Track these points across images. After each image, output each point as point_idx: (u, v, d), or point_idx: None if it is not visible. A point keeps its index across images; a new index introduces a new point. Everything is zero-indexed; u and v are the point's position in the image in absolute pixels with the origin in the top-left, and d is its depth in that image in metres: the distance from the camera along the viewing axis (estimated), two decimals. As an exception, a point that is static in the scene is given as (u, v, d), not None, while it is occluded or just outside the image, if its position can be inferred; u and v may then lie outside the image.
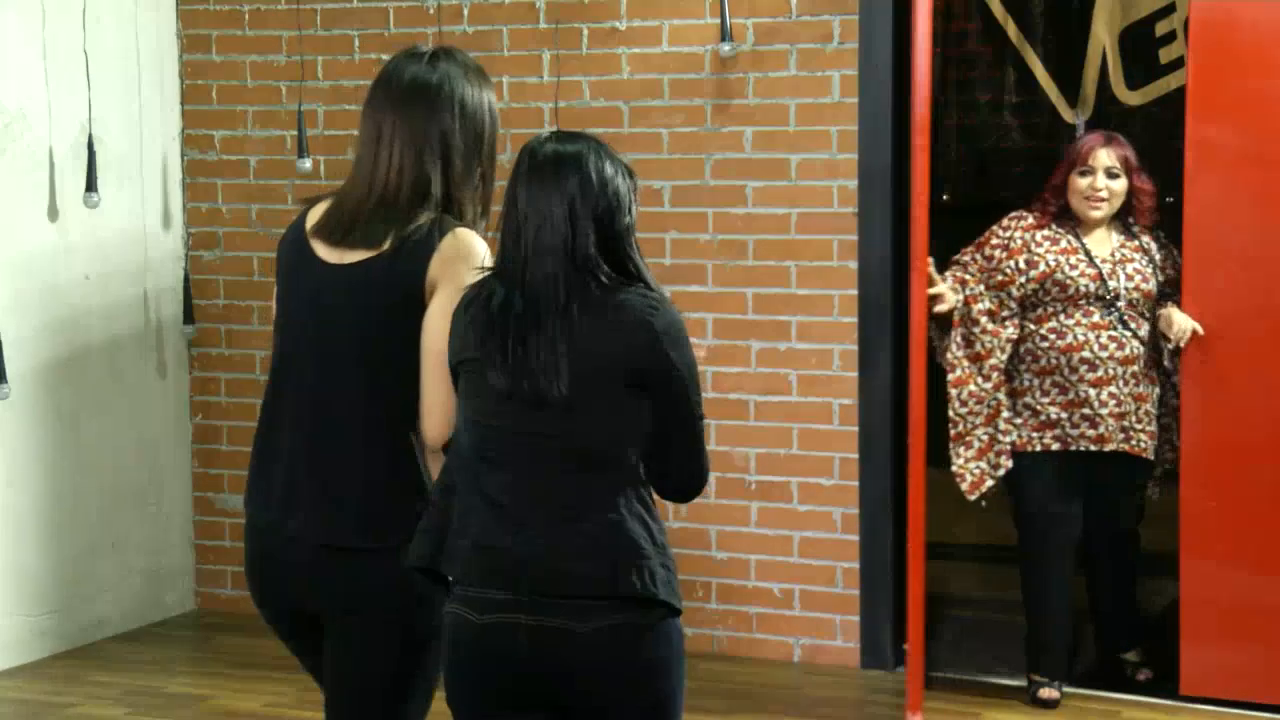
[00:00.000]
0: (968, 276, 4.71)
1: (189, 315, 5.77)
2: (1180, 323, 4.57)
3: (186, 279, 5.78)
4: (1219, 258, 4.64)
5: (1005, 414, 4.67)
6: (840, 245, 5.06)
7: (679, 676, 2.63)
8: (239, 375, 5.82)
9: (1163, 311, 4.63)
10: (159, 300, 5.75)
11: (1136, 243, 4.70)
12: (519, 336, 2.52)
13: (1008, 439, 4.67)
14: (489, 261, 2.67)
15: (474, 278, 2.63)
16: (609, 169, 2.59)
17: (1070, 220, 4.70)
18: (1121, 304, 4.61)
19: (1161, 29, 6.49)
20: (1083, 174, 4.69)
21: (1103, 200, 4.66)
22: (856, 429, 5.06)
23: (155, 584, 5.78)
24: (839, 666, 5.09)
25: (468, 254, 2.65)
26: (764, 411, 5.18)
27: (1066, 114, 6.69)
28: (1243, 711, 4.66)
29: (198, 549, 5.93)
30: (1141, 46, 6.50)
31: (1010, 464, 4.67)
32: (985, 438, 4.68)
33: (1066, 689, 4.76)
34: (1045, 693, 4.70)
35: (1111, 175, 4.67)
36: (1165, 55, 6.49)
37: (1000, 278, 4.67)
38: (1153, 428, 4.66)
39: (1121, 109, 6.61)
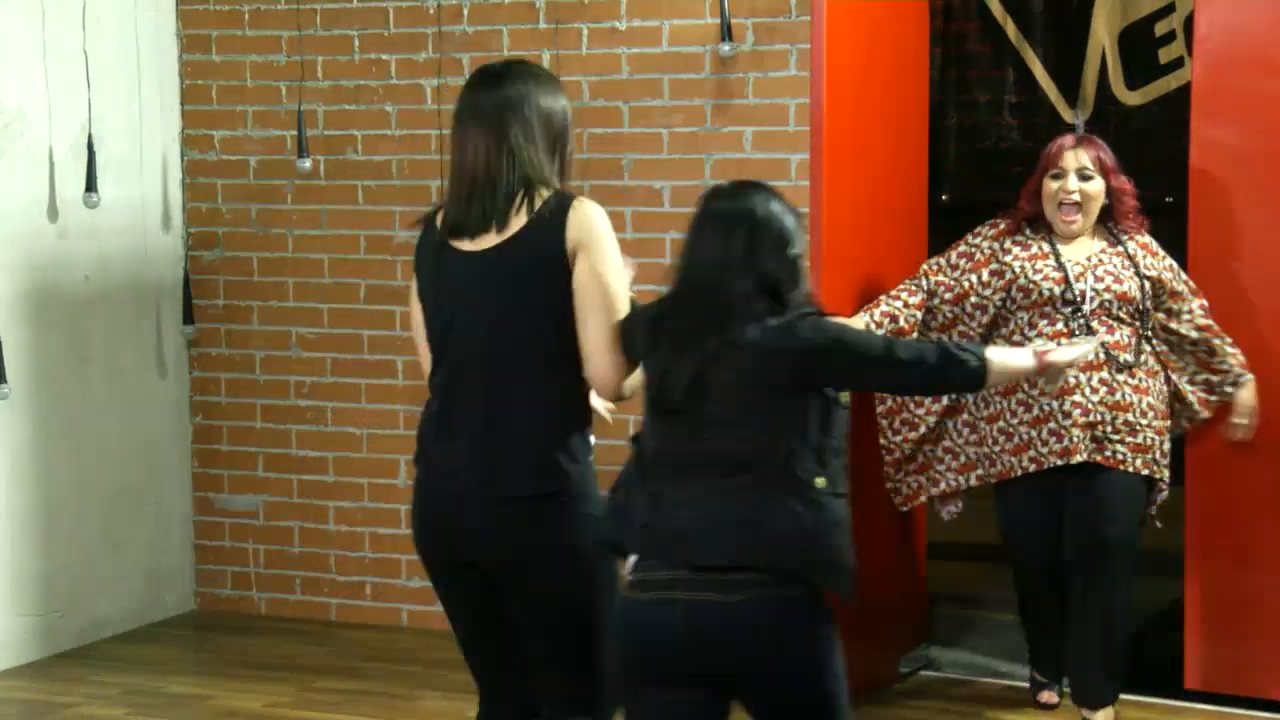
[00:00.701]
0: (912, 294, 4.51)
1: (189, 315, 5.77)
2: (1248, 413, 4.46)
3: (186, 279, 5.78)
4: (1223, 257, 4.64)
5: (946, 441, 4.57)
6: (841, 245, 5.06)
7: (830, 651, 2.89)
8: (239, 375, 5.82)
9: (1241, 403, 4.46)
10: (159, 300, 5.74)
11: (1120, 247, 4.42)
12: (676, 354, 2.92)
13: (952, 461, 4.58)
14: (608, 222, 3.09)
15: (610, 240, 3.06)
16: (776, 208, 2.94)
17: (1048, 225, 4.42)
18: (1089, 307, 4.32)
19: (1161, 29, 6.50)
20: (1054, 177, 4.38)
21: (1075, 205, 4.35)
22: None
23: (155, 584, 5.78)
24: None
25: (594, 219, 3.07)
26: (765, 411, 5.17)
27: (1066, 114, 6.70)
28: (1246, 711, 4.66)
29: (197, 549, 5.92)
30: (1141, 46, 6.51)
31: (951, 485, 4.59)
32: (922, 456, 4.60)
33: (1069, 688, 4.75)
34: (1045, 696, 4.69)
35: (1084, 177, 4.37)
36: (1165, 55, 6.50)
37: (958, 290, 4.48)
38: (1140, 439, 4.33)
39: (1121, 109, 6.61)
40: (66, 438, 5.41)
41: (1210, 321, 4.49)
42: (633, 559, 2.96)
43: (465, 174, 3.13)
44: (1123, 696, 4.77)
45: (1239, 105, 4.59)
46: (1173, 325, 4.47)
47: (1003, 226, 4.52)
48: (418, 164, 5.55)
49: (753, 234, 2.91)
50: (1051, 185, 4.41)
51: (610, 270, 3.06)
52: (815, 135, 4.48)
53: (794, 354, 2.87)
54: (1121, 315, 4.37)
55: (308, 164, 5.53)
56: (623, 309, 3.08)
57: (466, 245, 3.12)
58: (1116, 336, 4.36)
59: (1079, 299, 4.34)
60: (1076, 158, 4.38)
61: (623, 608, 2.95)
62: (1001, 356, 3.12)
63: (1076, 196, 4.37)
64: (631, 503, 2.95)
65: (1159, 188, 6.05)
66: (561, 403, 3.10)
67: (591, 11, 5.29)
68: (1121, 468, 4.34)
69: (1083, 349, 3.34)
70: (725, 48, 5.08)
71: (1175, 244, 4.73)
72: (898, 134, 4.93)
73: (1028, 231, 4.48)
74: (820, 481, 2.89)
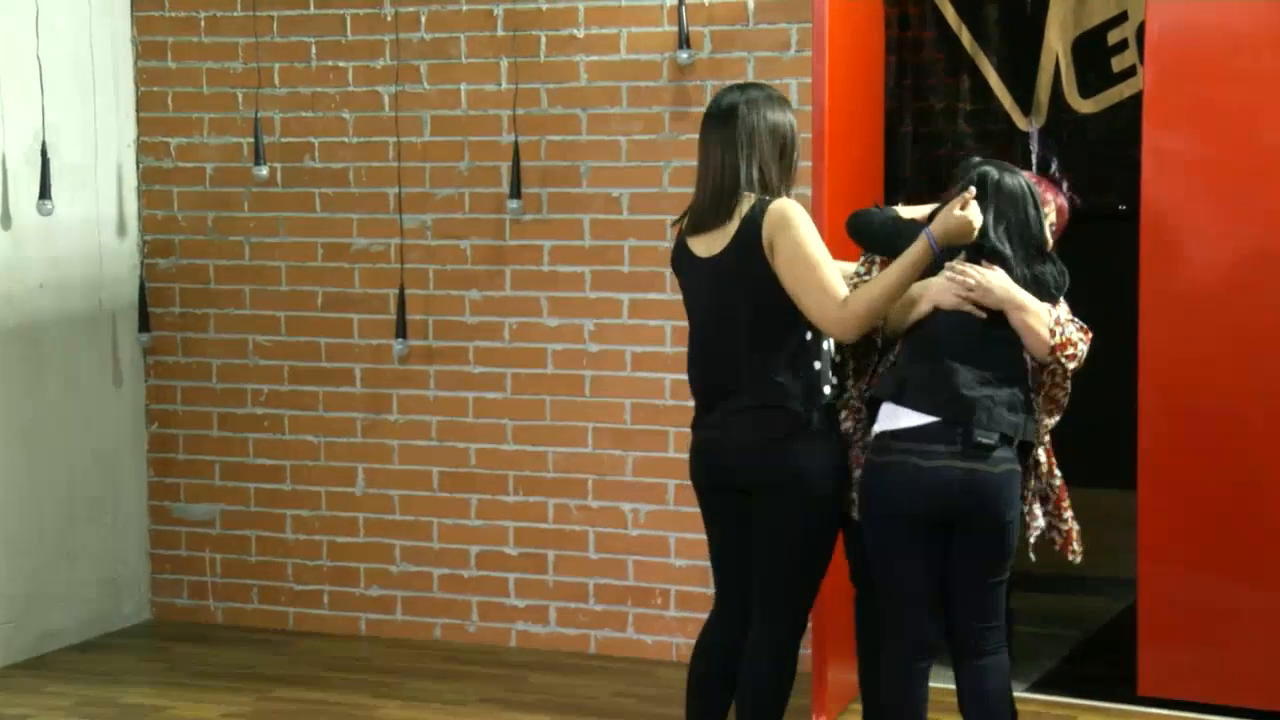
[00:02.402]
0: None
1: (144, 323, 5.74)
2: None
3: (142, 287, 5.75)
4: (1176, 264, 4.68)
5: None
6: (798, 252, 5.08)
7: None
8: (195, 383, 5.79)
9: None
10: (114, 308, 5.71)
11: None
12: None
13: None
14: (803, 213, 3.66)
15: (801, 220, 3.63)
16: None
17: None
18: None
19: (1113, 37, 6.55)
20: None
21: None
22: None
23: (111, 594, 5.74)
24: (802, 674, 5.09)
25: (784, 214, 3.64)
26: (723, 418, 5.18)
27: (1020, 122, 6.73)
28: (1200, 715, 4.70)
29: (154, 558, 5.89)
30: (1094, 55, 6.56)
31: None
32: None
33: (1024, 694, 4.77)
34: None
35: None
36: (1118, 63, 6.55)
37: None
38: None
39: (1074, 116, 6.66)
40: (21, 446, 5.37)
41: None
42: (894, 423, 3.68)
43: (705, 185, 3.75)
44: (1077, 702, 4.81)
45: (1191, 113, 4.64)
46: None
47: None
48: (375, 171, 5.54)
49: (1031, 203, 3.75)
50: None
51: (803, 242, 3.61)
52: (817, 140, 4.47)
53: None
54: None
55: (265, 171, 5.51)
56: (826, 273, 3.60)
57: (701, 249, 3.75)
58: None
59: None
60: (1055, 209, 4.10)
61: (898, 470, 3.67)
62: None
63: None
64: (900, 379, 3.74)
65: (1112, 195, 6.09)
66: (786, 367, 3.68)
67: (549, 19, 5.30)
68: None
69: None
70: (683, 55, 5.09)
71: (1127, 252, 4.77)
72: (859, 140, 4.95)
73: None
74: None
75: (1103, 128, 6.60)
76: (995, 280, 3.69)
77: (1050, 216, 3.99)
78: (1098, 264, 5.85)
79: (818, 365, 3.72)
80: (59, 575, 5.52)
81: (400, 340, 5.47)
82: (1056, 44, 6.59)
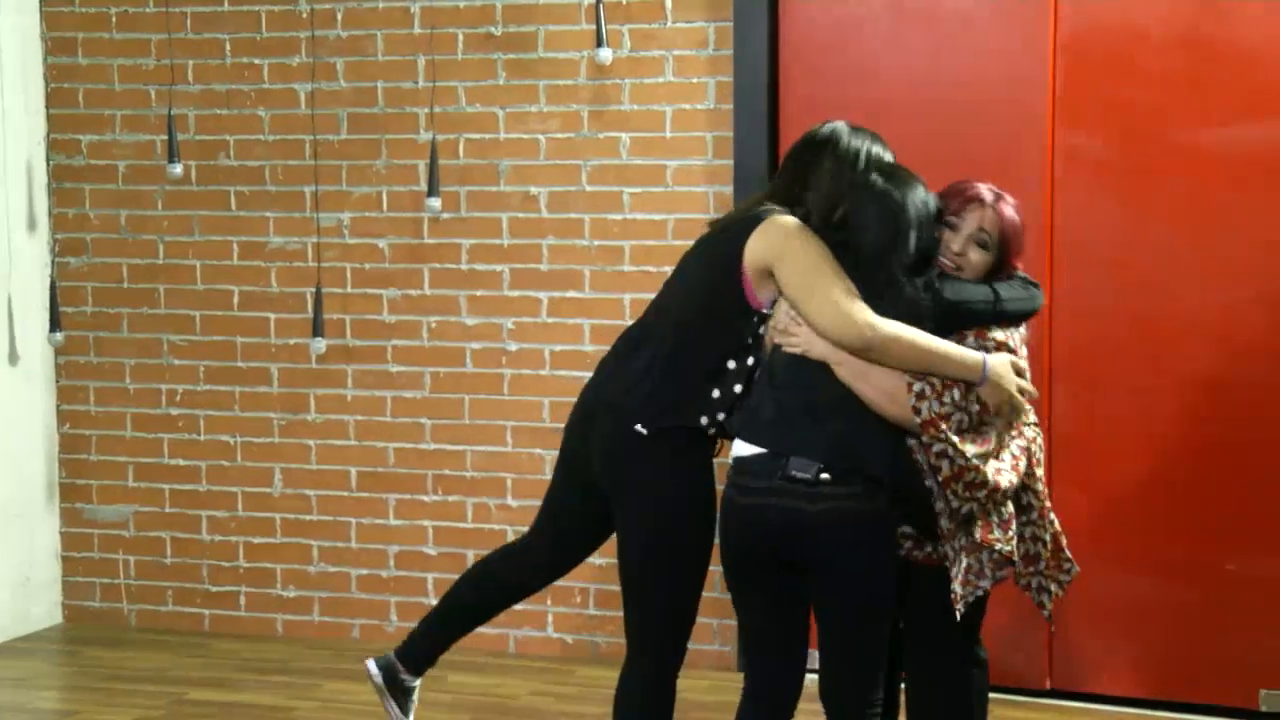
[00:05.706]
0: None
1: (55, 323, 5.66)
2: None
3: (53, 286, 5.67)
4: (1085, 262, 4.75)
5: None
6: (716, 250, 5.10)
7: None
8: (108, 384, 5.72)
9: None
10: (24, 308, 5.63)
11: None
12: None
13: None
14: (797, 231, 3.43)
15: (793, 241, 3.41)
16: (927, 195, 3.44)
17: None
18: None
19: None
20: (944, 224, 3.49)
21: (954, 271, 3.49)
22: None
23: (21, 597, 5.66)
24: (717, 672, 5.12)
25: (785, 223, 3.45)
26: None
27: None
28: (1111, 707, 4.76)
29: (65, 561, 5.81)
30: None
31: None
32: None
33: None
34: None
35: (981, 243, 3.49)
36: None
37: None
38: None
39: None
40: (-72, 448, 5.30)
41: None
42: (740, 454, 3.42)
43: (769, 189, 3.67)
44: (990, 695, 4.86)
45: (1099, 113, 4.71)
46: None
47: None
48: (291, 169, 5.50)
49: (913, 217, 3.36)
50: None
51: (809, 249, 3.40)
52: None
53: (941, 310, 3.34)
54: None
55: (178, 169, 5.45)
56: (833, 272, 3.37)
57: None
58: None
59: None
60: (983, 216, 3.49)
61: (724, 502, 3.45)
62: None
63: (958, 261, 3.50)
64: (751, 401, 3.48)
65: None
66: (684, 377, 3.56)
67: (467, 16, 5.28)
68: None
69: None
70: (605, 54, 5.09)
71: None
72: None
73: None
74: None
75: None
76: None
77: (967, 227, 3.44)
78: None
79: (716, 393, 3.52)
80: (-32, 579, 5.45)
81: (318, 339, 5.44)
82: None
